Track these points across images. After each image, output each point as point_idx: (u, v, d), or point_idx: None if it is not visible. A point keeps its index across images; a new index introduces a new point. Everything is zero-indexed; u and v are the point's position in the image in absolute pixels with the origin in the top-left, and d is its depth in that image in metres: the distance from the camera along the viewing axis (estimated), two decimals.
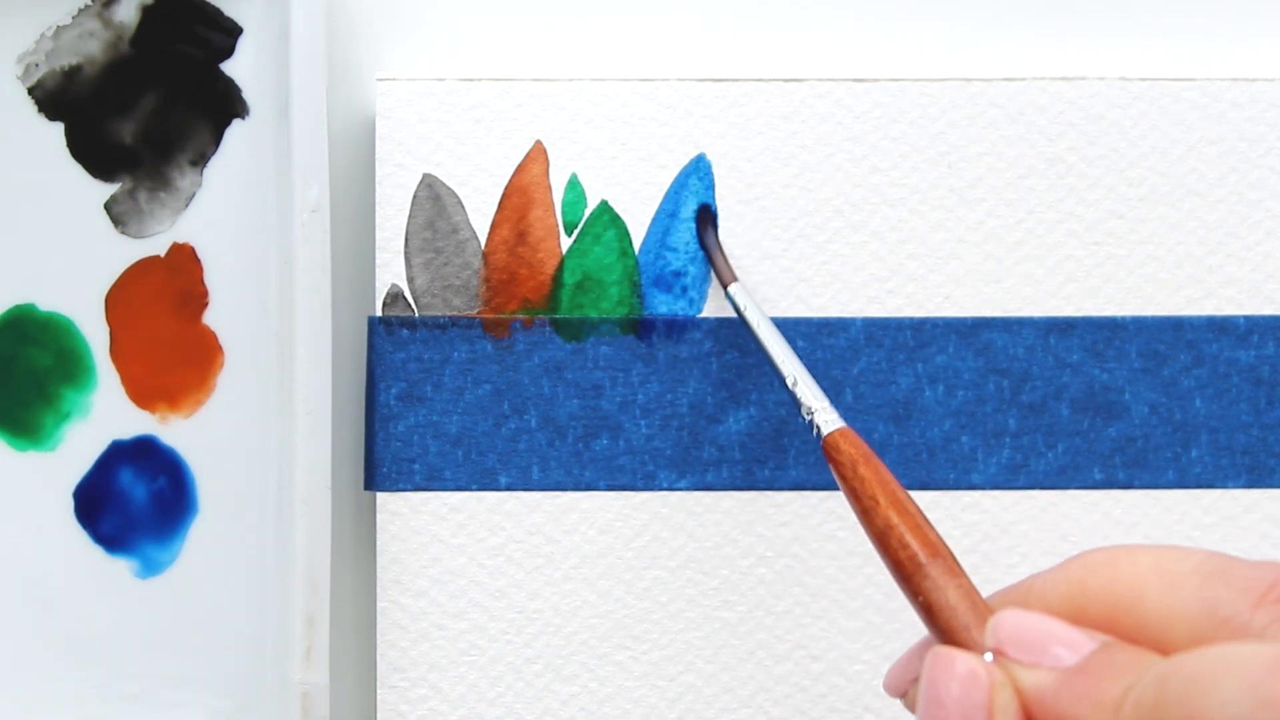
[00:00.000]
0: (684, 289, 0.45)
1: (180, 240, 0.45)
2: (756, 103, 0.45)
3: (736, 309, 0.43)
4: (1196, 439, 0.45)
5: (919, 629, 0.45)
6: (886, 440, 0.45)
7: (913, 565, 0.33)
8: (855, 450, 0.36)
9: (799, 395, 0.39)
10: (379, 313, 0.45)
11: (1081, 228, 0.45)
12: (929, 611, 0.32)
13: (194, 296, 0.45)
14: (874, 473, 0.36)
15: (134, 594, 0.45)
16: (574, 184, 0.45)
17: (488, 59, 0.46)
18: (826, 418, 0.38)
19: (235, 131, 0.45)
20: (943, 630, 0.32)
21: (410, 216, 0.45)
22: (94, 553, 0.45)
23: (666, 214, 0.45)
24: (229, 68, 0.45)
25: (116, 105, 0.45)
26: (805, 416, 0.39)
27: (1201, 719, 0.27)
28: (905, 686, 0.34)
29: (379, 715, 0.45)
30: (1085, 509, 0.45)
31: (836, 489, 0.44)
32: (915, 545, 0.33)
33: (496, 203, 0.45)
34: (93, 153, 0.45)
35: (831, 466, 0.37)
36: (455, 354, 0.45)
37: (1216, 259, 0.45)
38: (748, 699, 0.45)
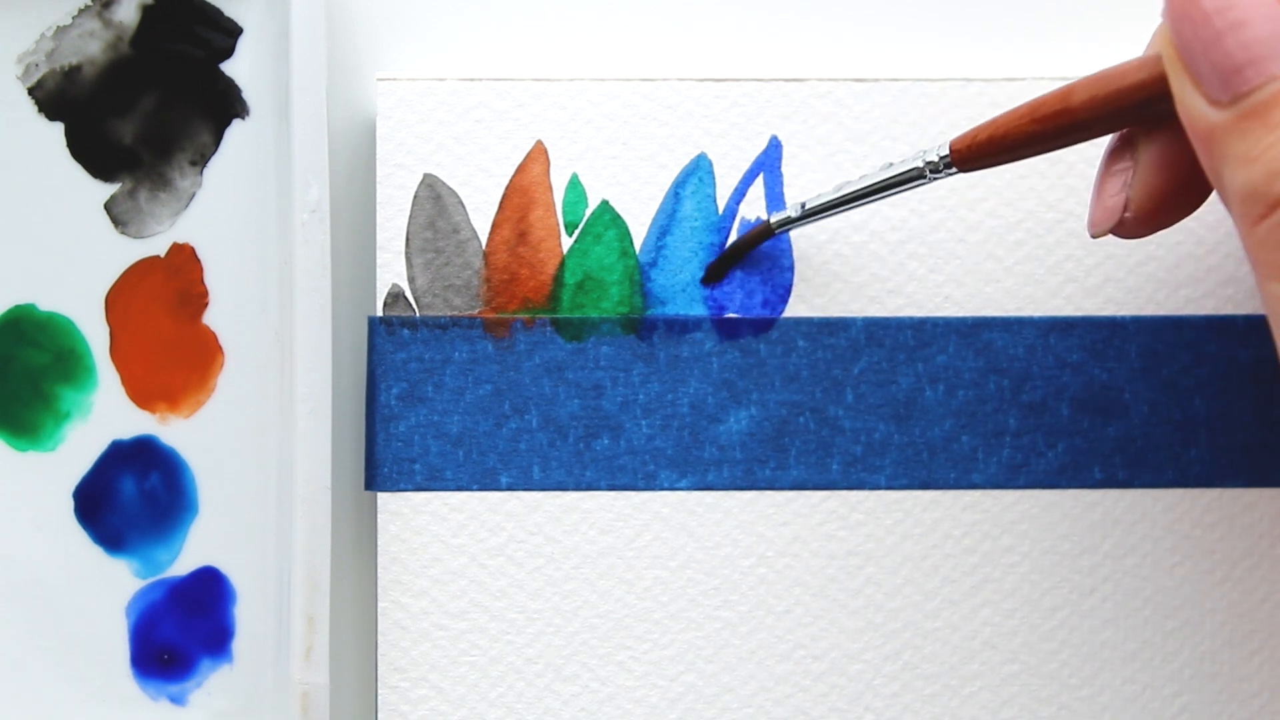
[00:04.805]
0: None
1: (180, 240, 0.45)
2: (756, 103, 0.45)
3: (795, 217, 0.43)
4: (1196, 439, 0.45)
5: (919, 629, 0.45)
6: (887, 440, 0.45)
7: (1140, 69, 0.36)
8: (969, 134, 0.39)
9: (900, 169, 0.41)
10: (380, 313, 0.45)
11: (1081, 228, 0.45)
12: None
13: (194, 296, 0.45)
14: (997, 123, 0.38)
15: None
16: (575, 184, 0.45)
17: (488, 59, 0.46)
18: (932, 155, 0.40)
19: (235, 131, 0.45)
20: None
21: (411, 216, 0.45)
22: (94, 553, 0.45)
23: (667, 214, 0.45)
24: (229, 68, 0.45)
25: (116, 105, 0.45)
26: (923, 173, 0.40)
27: None
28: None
29: (379, 715, 0.45)
30: (1085, 508, 0.45)
31: (836, 489, 0.44)
32: (1116, 76, 0.36)
33: (497, 203, 0.45)
34: (93, 153, 0.45)
35: (980, 161, 0.39)
36: (456, 354, 0.45)
37: (1216, 259, 0.45)
38: (748, 699, 0.45)
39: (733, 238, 0.45)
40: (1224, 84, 0.33)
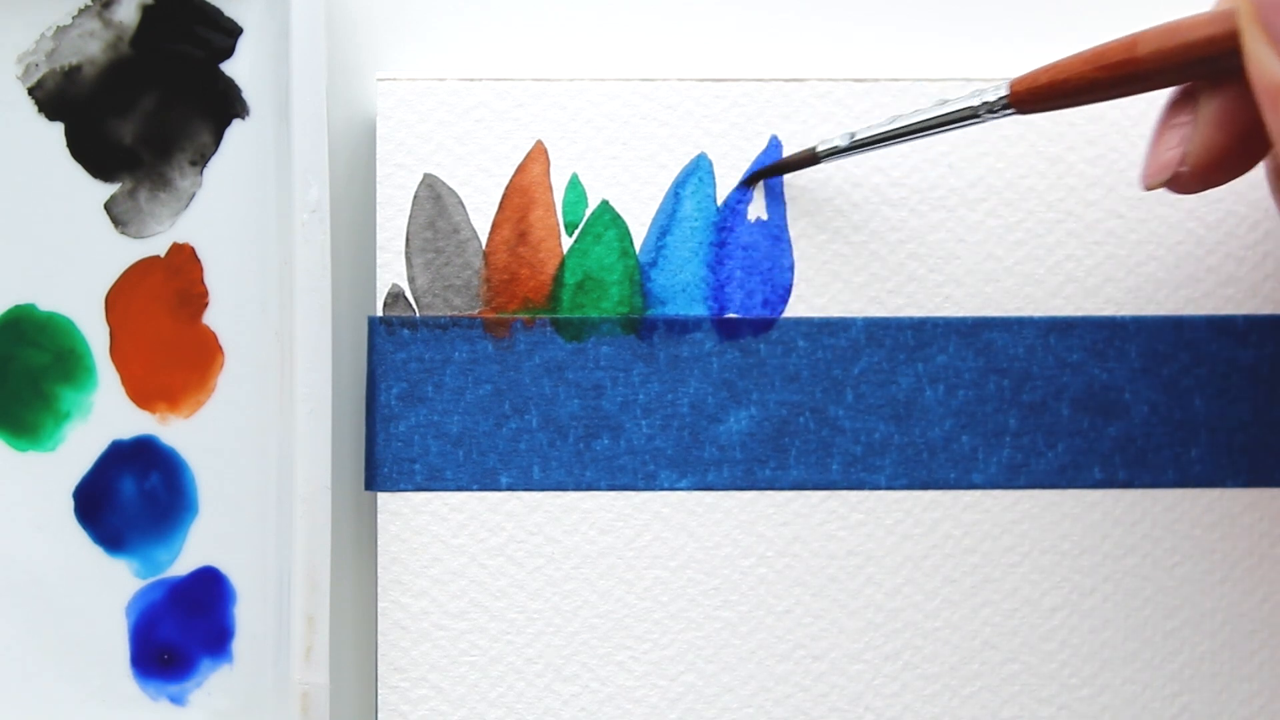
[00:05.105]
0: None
1: (180, 240, 0.45)
2: (756, 103, 0.45)
3: (844, 147, 0.43)
4: (1196, 439, 0.45)
5: (919, 629, 0.45)
6: (888, 440, 0.45)
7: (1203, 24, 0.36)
8: (1030, 76, 0.39)
9: (956, 106, 0.40)
10: (380, 313, 0.45)
11: (1081, 227, 0.45)
12: None
13: (194, 296, 0.45)
14: (1060, 66, 0.38)
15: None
16: (575, 184, 0.45)
17: (488, 59, 0.46)
18: (990, 95, 0.40)
19: (235, 131, 0.45)
20: None
21: (411, 217, 0.45)
22: (94, 553, 0.45)
23: (667, 214, 0.45)
24: (229, 68, 0.45)
25: (116, 105, 0.45)
26: (978, 112, 0.40)
27: None
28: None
29: (379, 715, 0.45)
30: (1085, 508, 0.45)
31: (836, 489, 0.45)
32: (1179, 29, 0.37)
33: (497, 203, 0.45)
34: (93, 153, 0.45)
35: (1039, 104, 0.39)
36: (456, 354, 0.45)
37: (1216, 259, 0.45)
38: (749, 699, 0.45)
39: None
40: None
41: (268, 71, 0.45)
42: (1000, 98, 0.40)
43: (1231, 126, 0.37)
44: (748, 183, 0.45)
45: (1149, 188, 0.39)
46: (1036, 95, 0.39)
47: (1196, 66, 0.37)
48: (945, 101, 0.41)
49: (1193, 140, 0.38)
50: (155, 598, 0.45)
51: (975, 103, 0.40)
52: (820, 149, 0.43)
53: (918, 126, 0.41)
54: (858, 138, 0.43)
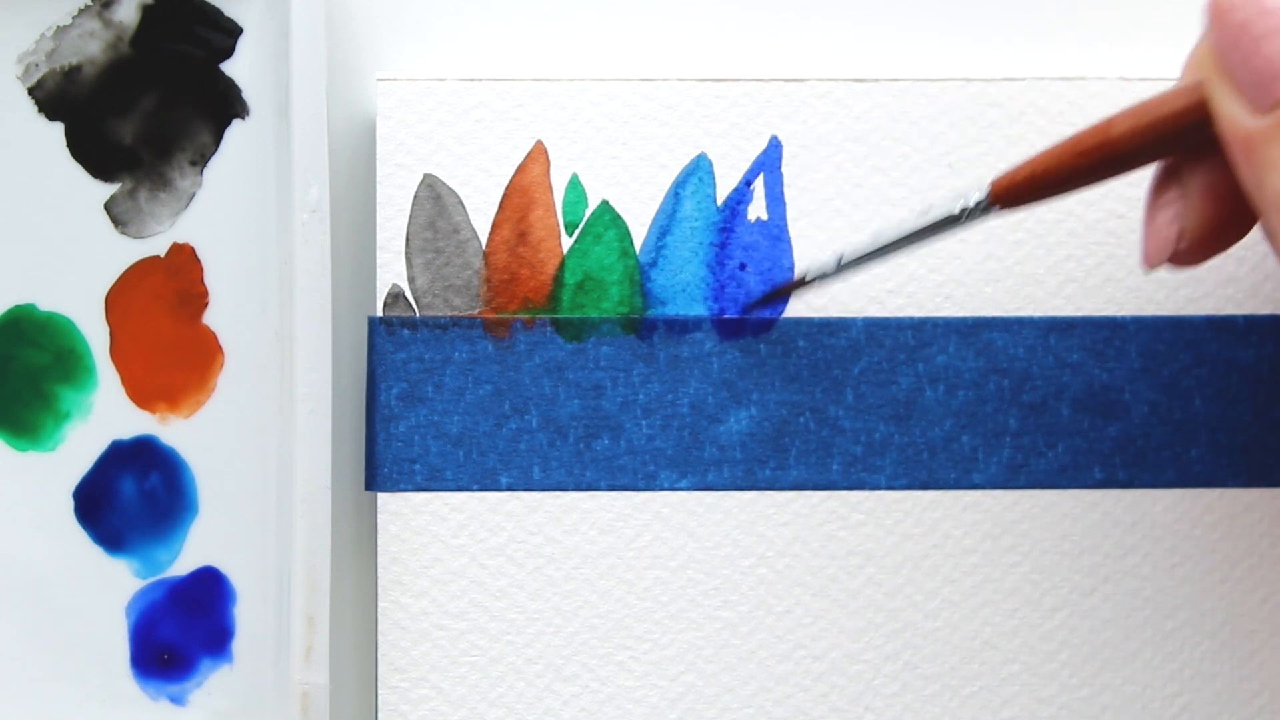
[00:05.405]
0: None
1: (180, 240, 0.45)
2: (756, 103, 0.45)
3: (831, 273, 0.43)
4: (1196, 438, 0.45)
5: (919, 629, 0.45)
6: (887, 440, 0.45)
7: (1176, 99, 0.36)
8: (1009, 174, 0.38)
9: (939, 212, 0.40)
10: (380, 313, 0.45)
11: (1081, 227, 0.45)
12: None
13: (194, 296, 0.45)
14: (1038, 160, 0.38)
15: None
16: (575, 184, 0.45)
17: (488, 59, 0.46)
18: (971, 197, 0.39)
19: (235, 131, 0.45)
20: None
21: (411, 217, 0.45)
22: (94, 553, 0.45)
23: (667, 214, 0.45)
24: (229, 68, 0.45)
25: (116, 105, 0.45)
26: (960, 217, 0.40)
27: None
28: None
29: (379, 715, 0.45)
30: (1085, 508, 0.45)
31: (836, 489, 0.45)
32: (1152, 108, 0.36)
33: (497, 203, 0.45)
34: (93, 153, 0.45)
35: (1021, 199, 0.38)
36: (456, 354, 0.45)
37: (1216, 259, 0.45)
38: (749, 699, 0.45)
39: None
40: (1264, 90, 0.33)
41: (268, 71, 0.45)
42: (980, 200, 0.39)
43: (1222, 197, 0.37)
44: (746, 310, 0.45)
45: (1151, 267, 0.38)
46: (1017, 191, 0.39)
47: (1172, 141, 0.37)
48: (928, 211, 0.41)
49: (1187, 216, 0.38)
50: (155, 598, 0.45)
51: (956, 209, 0.40)
52: (810, 275, 0.44)
53: (903, 240, 0.41)
54: (845, 260, 0.42)
